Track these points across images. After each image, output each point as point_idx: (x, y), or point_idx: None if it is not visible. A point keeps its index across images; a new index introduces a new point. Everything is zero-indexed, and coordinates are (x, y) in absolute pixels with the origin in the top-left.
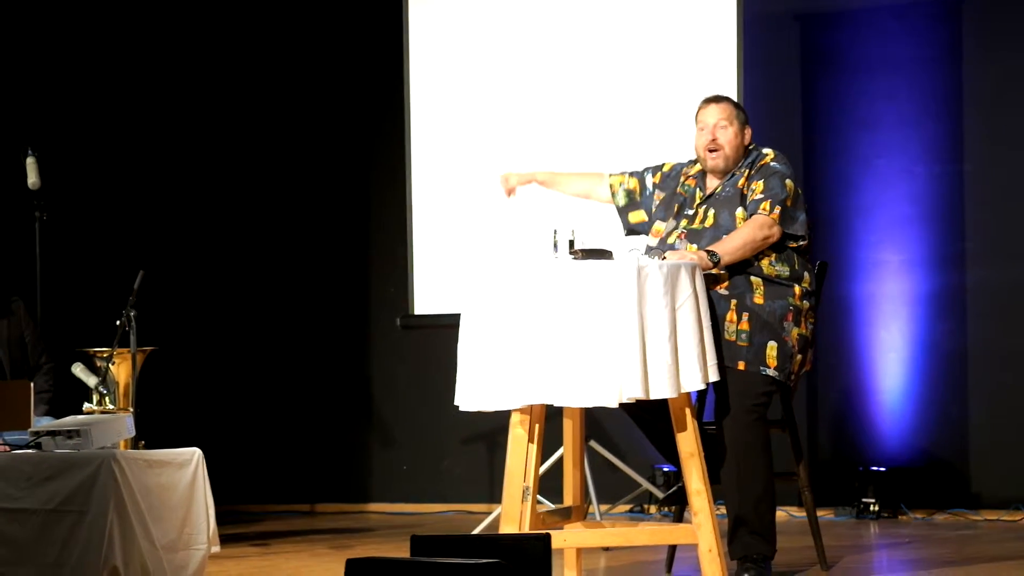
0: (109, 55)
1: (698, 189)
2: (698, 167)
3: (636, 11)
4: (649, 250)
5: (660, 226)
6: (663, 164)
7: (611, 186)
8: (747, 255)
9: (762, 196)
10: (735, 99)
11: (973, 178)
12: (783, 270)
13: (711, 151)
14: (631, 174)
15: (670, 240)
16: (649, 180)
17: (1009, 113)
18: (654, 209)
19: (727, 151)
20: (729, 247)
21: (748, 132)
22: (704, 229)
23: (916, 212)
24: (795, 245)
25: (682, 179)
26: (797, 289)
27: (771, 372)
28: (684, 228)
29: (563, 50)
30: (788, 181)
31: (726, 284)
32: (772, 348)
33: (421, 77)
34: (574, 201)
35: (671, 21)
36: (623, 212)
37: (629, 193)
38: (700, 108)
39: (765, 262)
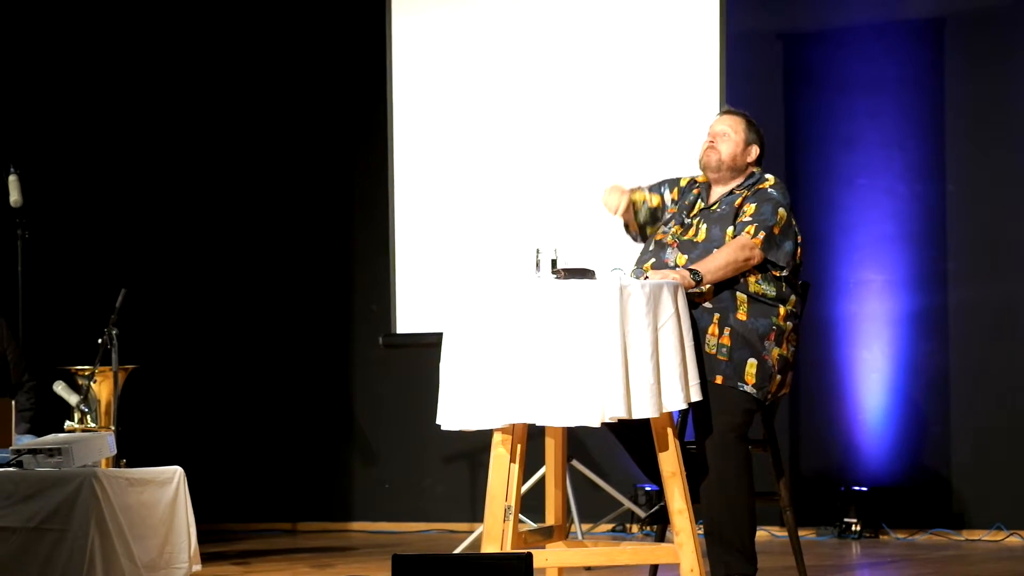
0: (91, 72)
1: (700, 200)
2: (703, 178)
3: (620, 28)
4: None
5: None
6: (679, 179)
7: (635, 200)
8: (728, 275)
9: (750, 219)
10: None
11: (955, 198)
12: (769, 289)
13: (708, 148)
14: (650, 190)
15: (661, 240)
16: (668, 196)
17: (991, 132)
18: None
19: (721, 155)
20: (711, 266)
21: (753, 150)
22: (697, 243)
23: (898, 231)
24: (777, 274)
25: (693, 191)
26: (782, 310)
27: (748, 389)
28: (677, 237)
29: (547, 68)
30: (781, 210)
31: (710, 298)
32: (752, 365)
33: (404, 94)
34: (556, 220)
35: (654, 38)
36: (643, 229)
37: (652, 211)
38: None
39: (752, 280)
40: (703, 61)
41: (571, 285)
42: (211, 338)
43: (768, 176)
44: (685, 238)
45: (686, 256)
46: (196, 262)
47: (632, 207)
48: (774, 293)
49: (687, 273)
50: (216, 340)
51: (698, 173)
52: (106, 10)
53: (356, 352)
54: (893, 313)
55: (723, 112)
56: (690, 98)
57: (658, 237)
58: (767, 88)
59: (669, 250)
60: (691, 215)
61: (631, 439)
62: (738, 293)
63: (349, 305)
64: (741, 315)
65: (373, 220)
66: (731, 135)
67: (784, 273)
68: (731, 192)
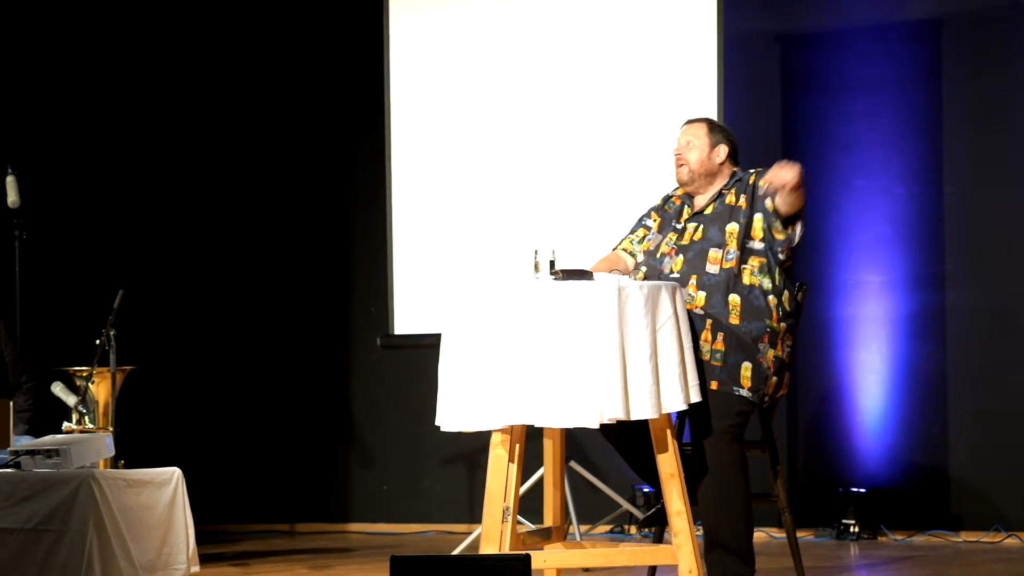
0: (89, 73)
1: (685, 206)
2: (682, 191)
3: (617, 30)
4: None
5: (653, 239)
6: (652, 207)
7: (625, 250)
8: (799, 194)
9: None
10: (716, 119)
11: (953, 199)
12: (766, 282)
13: (678, 165)
14: (632, 231)
15: (659, 254)
16: (651, 223)
17: (989, 134)
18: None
19: (691, 165)
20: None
21: (722, 150)
22: (693, 242)
23: (896, 233)
24: (783, 258)
25: (672, 201)
26: (774, 312)
27: (744, 392)
28: (674, 243)
29: (545, 70)
30: None
31: (703, 303)
32: (747, 369)
33: (402, 96)
34: (554, 221)
35: (652, 39)
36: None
37: (643, 241)
38: None
39: (747, 271)
40: (701, 63)
41: (569, 286)
42: (209, 339)
43: (753, 172)
44: (681, 243)
45: (682, 258)
46: (194, 263)
47: (629, 256)
48: (770, 285)
49: (798, 168)
50: (214, 341)
51: (660, 184)
52: (104, 10)
53: (354, 353)
54: (891, 314)
55: (684, 124)
56: (688, 100)
57: (646, 246)
58: (765, 90)
59: (667, 259)
60: (680, 220)
61: (624, 443)
62: (731, 296)
63: (347, 306)
64: (734, 319)
65: (371, 221)
66: (694, 141)
67: (788, 263)
68: (719, 194)
